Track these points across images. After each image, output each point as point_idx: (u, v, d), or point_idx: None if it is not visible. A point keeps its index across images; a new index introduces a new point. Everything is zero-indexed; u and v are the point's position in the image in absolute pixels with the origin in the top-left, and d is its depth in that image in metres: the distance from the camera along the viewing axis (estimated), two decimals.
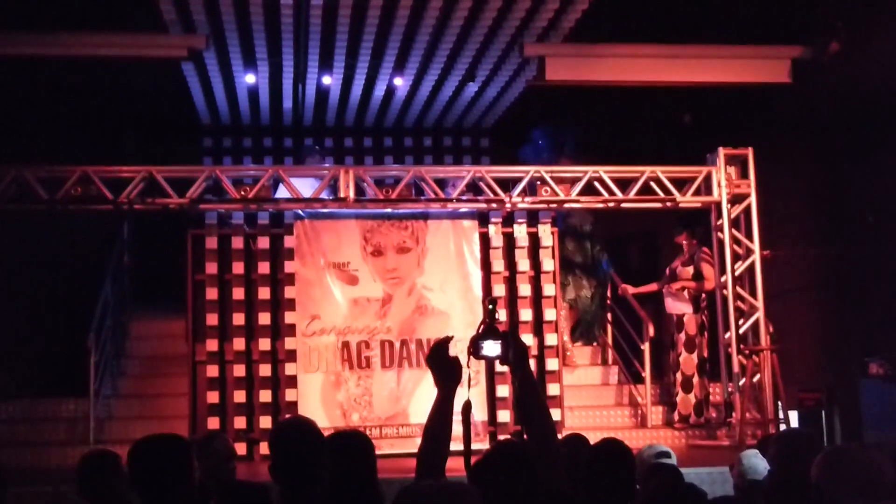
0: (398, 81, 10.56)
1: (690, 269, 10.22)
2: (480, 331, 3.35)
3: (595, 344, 11.35)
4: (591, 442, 4.61)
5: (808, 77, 9.87)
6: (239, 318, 9.76)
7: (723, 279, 9.91)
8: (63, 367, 9.91)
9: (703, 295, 10.18)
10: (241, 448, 8.90)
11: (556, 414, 9.32)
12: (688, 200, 9.97)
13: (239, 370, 9.67)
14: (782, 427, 9.03)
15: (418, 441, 10.08)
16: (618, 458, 3.96)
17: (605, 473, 3.81)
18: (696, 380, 10.00)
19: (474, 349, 3.34)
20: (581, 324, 11.30)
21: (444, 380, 3.34)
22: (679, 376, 10.07)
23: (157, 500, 3.53)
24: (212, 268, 9.87)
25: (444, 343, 3.36)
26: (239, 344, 9.72)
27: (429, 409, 9.41)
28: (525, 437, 3.35)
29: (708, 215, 10.19)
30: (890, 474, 3.31)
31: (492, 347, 3.32)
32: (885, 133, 9.62)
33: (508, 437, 8.92)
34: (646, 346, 10.23)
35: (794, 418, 9.25)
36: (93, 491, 4.48)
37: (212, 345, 9.72)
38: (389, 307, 9.79)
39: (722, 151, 9.91)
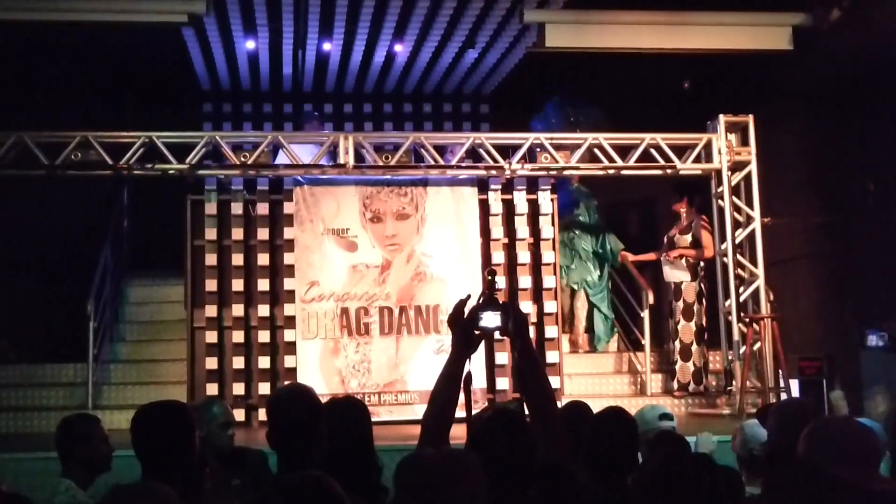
0: (398, 48, 10.51)
1: (688, 237, 10.19)
2: (480, 302, 3.34)
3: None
4: (592, 410, 4.62)
5: (809, 44, 9.82)
6: (238, 284, 9.78)
7: (723, 247, 9.91)
8: (62, 332, 9.93)
9: (702, 263, 10.15)
10: (239, 414, 8.95)
11: (555, 382, 9.35)
12: (688, 168, 9.95)
13: (237, 336, 9.69)
14: (783, 396, 9.04)
15: (417, 408, 10.23)
16: (621, 426, 3.97)
17: (608, 442, 3.81)
18: (694, 348, 10.00)
19: (473, 321, 3.32)
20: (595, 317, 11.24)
21: (462, 343, 3.32)
22: (677, 344, 10.07)
23: (158, 466, 3.54)
24: (211, 233, 9.87)
25: (463, 304, 3.33)
26: (237, 310, 9.74)
27: (426, 376, 9.51)
28: (525, 407, 3.35)
29: (706, 183, 10.18)
30: (876, 444, 3.30)
31: (492, 318, 3.30)
32: (886, 100, 9.57)
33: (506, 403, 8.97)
34: (645, 314, 10.24)
35: (794, 387, 9.26)
36: (72, 454, 4.48)
37: (210, 310, 9.74)
38: (388, 274, 9.80)
39: (722, 118, 9.88)
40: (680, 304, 10.10)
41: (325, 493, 2.55)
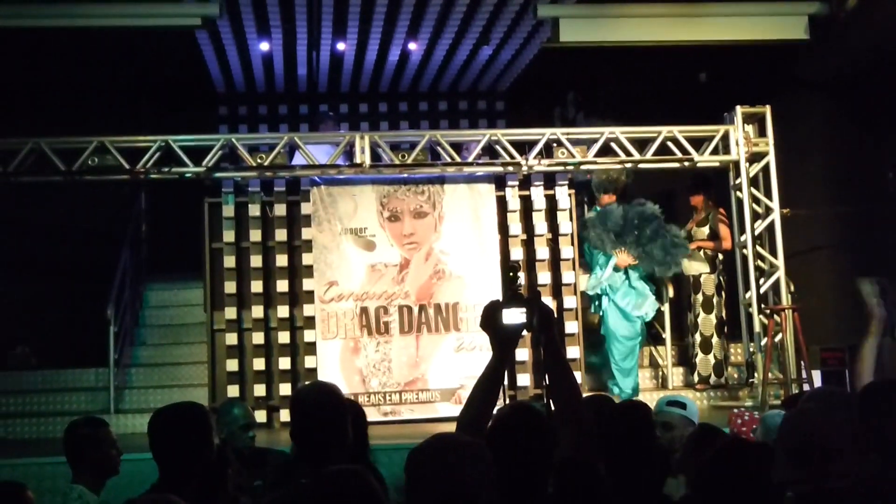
0: (412, 46, 10.50)
1: (706, 230, 10.13)
2: (503, 299, 3.31)
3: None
4: (614, 403, 4.60)
5: (826, 33, 9.75)
6: (257, 286, 9.80)
7: (742, 238, 9.86)
8: (83, 337, 9.96)
9: (720, 255, 10.11)
10: (260, 415, 8.98)
11: (576, 376, 9.31)
12: (705, 160, 9.90)
13: (257, 337, 9.71)
14: (806, 387, 8.97)
15: (438, 406, 10.17)
16: (637, 419, 3.94)
17: (624, 434, 3.78)
18: (714, 340, 9.95)
19: (495, 318, 3.28)
20: None
21: (497, 345, 3.30)
22: (697, 337, 10.02)
23: (176, 469, 3.53)
24: (229, 236, 9.89)
25: (493, 306, 3.30)
26: (257, 311, 9.76)
27: (447, 374, 9.45)
28: (549, 403, 3.32)
29: (723, 176, 10.12)
30: (832, 436, 3.22)
31: (516, 315, 3.26)
32: None
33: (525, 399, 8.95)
34: (665, 307, 10.19)
35: (817, 378, 9.20)
36: (82, 459, 4.48)
37: (230, 312, 9.76)
38: (407, 272, 9.79)
39: (739, 110, 9.82)
40: (699, 296, 10.06)
41: (362, 486, 2.57)
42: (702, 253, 10.06)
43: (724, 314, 10.05)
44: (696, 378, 10.00)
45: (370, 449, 4.67)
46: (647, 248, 9.62)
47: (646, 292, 9.78)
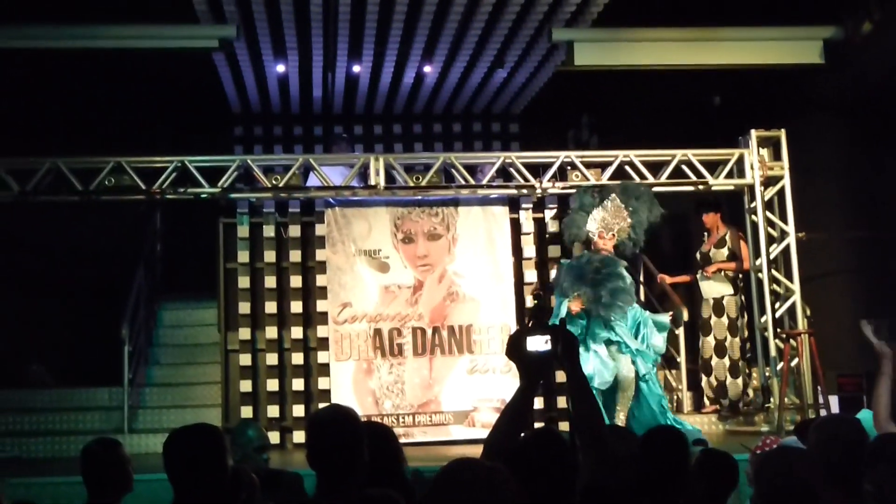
0: (427, 69, 10.52)
1: (725, 251, 9.94)
2: (527, 325, 3.32)
3: None
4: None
5: (841, 57, 9.74)
6: (271, 307, 9.83)
7: (757, 262, 9.82)
8: (97, 356, 9.97)
9: (741, 276, 9.97)
10: (273, 437, 8.97)
11: None
12: (720, 183, 9.90)
13: (271, 358, 9.73)
14: (822, 412, 8.91)
15: (451, 428, 10.12)
16: (674, 447, 3.91)
17: (660, 463, 3.76)
18: (741, 364, 9.80)
19: (519, 345, 3.28)
20: None
21: (527, 372, 3.29)
22: (727, 361, 9.78)
23: (190, 490, 3.53)
24: (243, 256, 9.93)
25: (518, 334, 3.30)
26: (271, 332, 9.78)
27: (460, 396, 9.43)
28: (572, 430, 3.31)
29: (737, 198, 10.10)
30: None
31: (539, 342, 3.25)
32: None
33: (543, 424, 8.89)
34: (680, 331, 10.11)
35: (834, 403, 9.15)
36: (99, 480, 4.49)
37: (244, 333, 9.79)
38: (420, 294, 9.80)
39: (754, 133, 9.82)
40: (724, 319, 9.83)
41: None
42: (723, 274, 9.90)
43: (746, 335, 9.92)
44: (725, 403, 9.74)
45: (408, 469, 4.57)
46: (597, 290, 8.72)
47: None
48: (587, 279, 8.65)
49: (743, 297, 9.98)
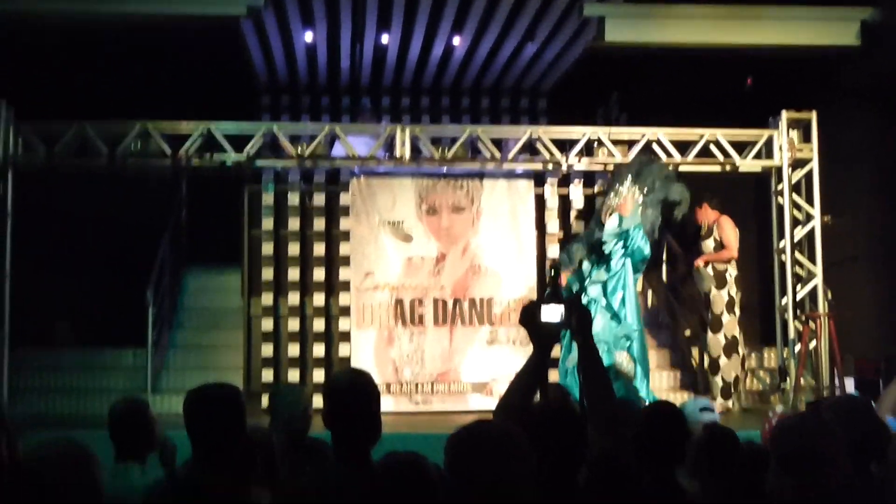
0: (456, 41, 10.50)
1: (711, 242, 9.53)
2: (543, 295, 3.35)
3: None
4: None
5: (877, 40, 9.64)
6: (294, 274, 9.89)
7: (781, 245, 9.77)
8: (123, 319, 10.07)
9: (732, 271, 9.47)
10: None
11: None
12: (748, 164, 9.84)
13: (293, 325, 9.80)
14: (837, 393, 8.90)
15: (469, 398, 10.15)
16: (670, 420, 3.93)
17: (658, 435, 3.78)
18: (723, 361, 9.36)
19: (533, 314, 3.31)
20: None
21: (539, 340, 3.33)
22: (706, 358, 9.56)
23: (207, 447, 3.57)
24: (268, 223, 9.98)
25: (532, 303, 3.34)
26: (293, 299, 9.85)
27: (479, 367, 9.44)
28: (583, 401, 3.35)
29: (761, 181, 10.06)
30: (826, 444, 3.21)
31: (553, 312, 3.29)
32: None
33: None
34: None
35: (849, 385, 9.12)
36: (124, 438, 4.55)
37: (266, 299, 9.87)
38: (443, 266, 9.82)
39: (785, 114, 9.74)
40: (709, 314, 9.49)
41: (422, 476, 2.62)
42: (709, 269, 9.49)
43: (737, 333, 9.46)
44: (732, 405, 9.41)
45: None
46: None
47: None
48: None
49: (732, 292, 9.47)
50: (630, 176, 9.16)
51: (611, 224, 8.95)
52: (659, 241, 10.63)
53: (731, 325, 9.43)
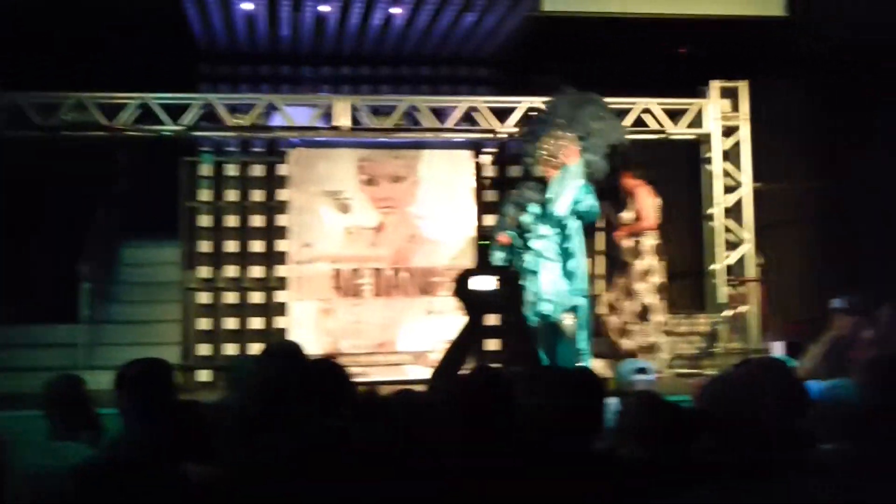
0: (396, 10, 10.46)
1: (632, 213, 9.50)
2: (475, 266, 3.40)
3: None
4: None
5: (805, 11, 9.79)
6: (232, 245, 9.86)
7: (711, 211, 9.95)
8: (55, 294, 9.96)
9: (646, 241, 9.40)
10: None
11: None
12: (679, 132, 9.99)
13: (231, 297, 9.77)
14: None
15: (408, 369, 10.15)
16: (584, 387, 4.00)
17: (572, 402, 3.85)
18: (635, 328, 9.39)
19: (464, 284, 3.36)
20: None
21: (470, 310, 3.38)
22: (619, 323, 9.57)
23: (138, 424, 3.60)
24: (205, 195, 9.93)
25: (463, 274, 3.38)
26: (232, 271, 9.82)
27: (418, 338, 9.50)
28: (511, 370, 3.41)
29: (694, 149, 10.20)
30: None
31: (483, 282, 3.34)
32: (881, 66, 9.57)
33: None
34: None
35: (779, 348, 9.32)
36: (58, 416, 4.54)
37: (204, 272, 9.82)
38: (382, 236, 9.85)
39: (714, 84, 9.92)
40: (629, 283, 9.49)
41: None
42: (627, 240, 9.49)
43: (654, 299, 9.39)
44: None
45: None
46: None
47: None
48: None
49: (648, 260, 9.37)
50: (563, 121, 9.00)
51: (556, 179, 8.66)
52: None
53: (645, 292, 9.38)
